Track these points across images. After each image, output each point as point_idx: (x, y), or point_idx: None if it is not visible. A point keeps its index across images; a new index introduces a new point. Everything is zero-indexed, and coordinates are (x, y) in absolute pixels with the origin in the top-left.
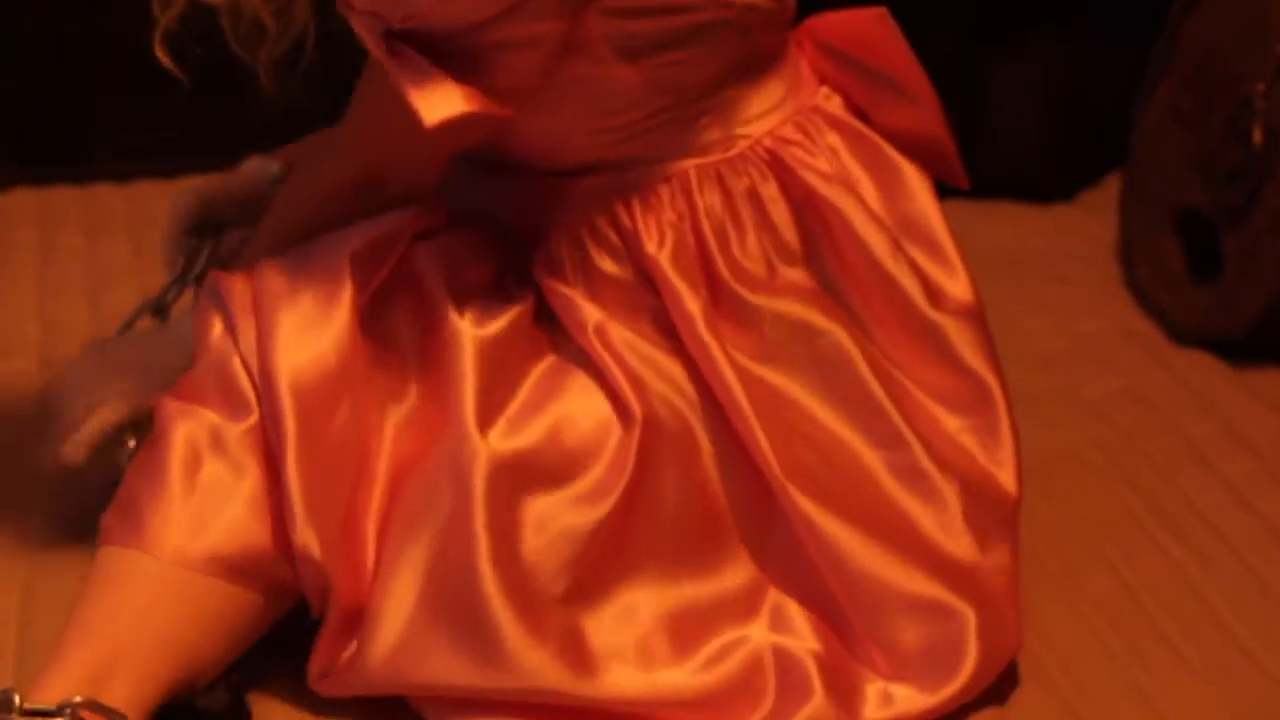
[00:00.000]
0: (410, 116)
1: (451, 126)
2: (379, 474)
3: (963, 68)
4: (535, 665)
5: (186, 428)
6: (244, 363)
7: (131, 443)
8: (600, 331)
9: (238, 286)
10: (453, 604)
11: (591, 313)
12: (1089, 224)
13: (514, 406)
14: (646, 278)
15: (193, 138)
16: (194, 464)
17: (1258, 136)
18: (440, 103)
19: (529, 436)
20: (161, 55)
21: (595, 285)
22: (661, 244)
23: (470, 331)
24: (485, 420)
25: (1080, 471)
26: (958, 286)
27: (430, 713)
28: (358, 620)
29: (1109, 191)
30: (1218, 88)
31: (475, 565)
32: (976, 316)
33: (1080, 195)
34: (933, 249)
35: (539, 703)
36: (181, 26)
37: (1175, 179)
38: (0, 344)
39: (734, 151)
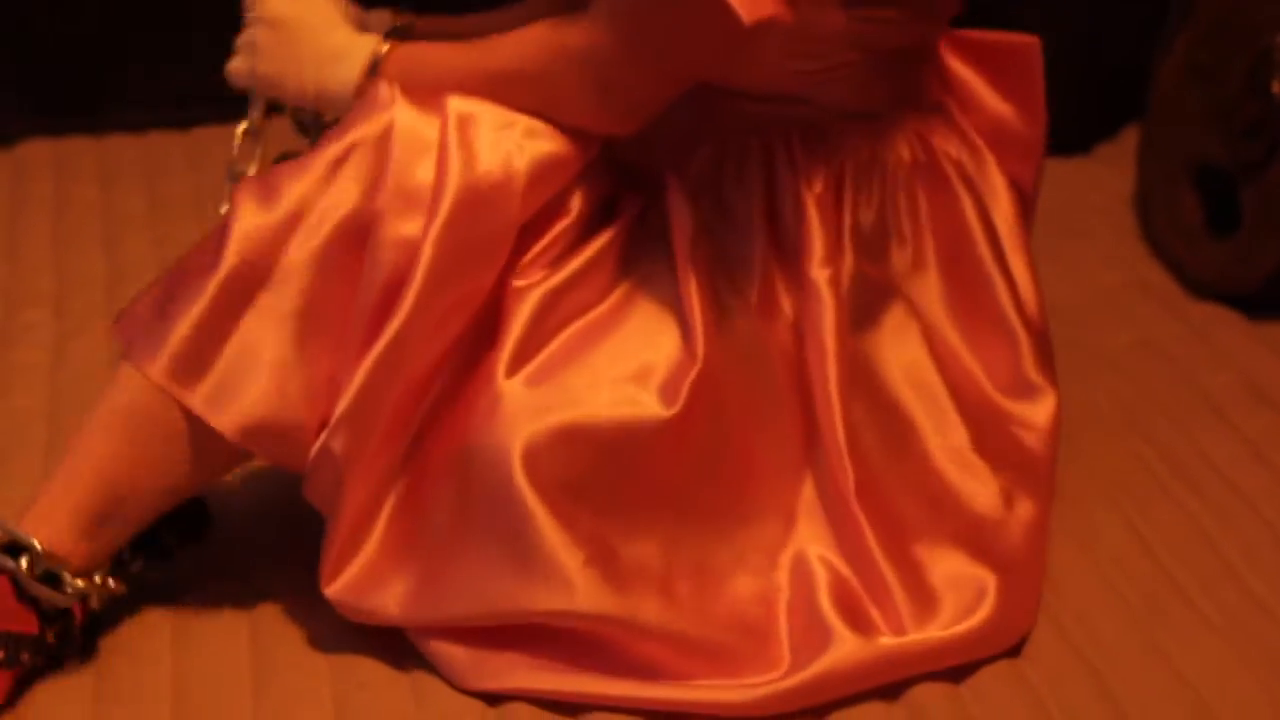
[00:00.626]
0: (709, 19)
1: (754, 33)
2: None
3: (980, 18)
4: (571, 574)
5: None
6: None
7: (252, 169)
8: (696, 260)
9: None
10: (489, 519)
11: (694, 239)
12: (1106, 177)
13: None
14: (774, 220)
15: (208, 88)
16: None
17: (1277, 89)
18: (753, 1)
19: (561, 378)
20: None
21: (716, 206)
22: (811, 187)
23: (536, 289)
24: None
25: (1096, 425)
26: (1030, 310)
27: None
28: (361, 534)
29: (1126, 144)
30: (1237, 40)
31: (511, 477)
32: (1044, 335)
33: (1097, 148)
34: (1013, 270)
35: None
36: None
37: (1193, 132)
38: (16, 295)
39: (888, 122)
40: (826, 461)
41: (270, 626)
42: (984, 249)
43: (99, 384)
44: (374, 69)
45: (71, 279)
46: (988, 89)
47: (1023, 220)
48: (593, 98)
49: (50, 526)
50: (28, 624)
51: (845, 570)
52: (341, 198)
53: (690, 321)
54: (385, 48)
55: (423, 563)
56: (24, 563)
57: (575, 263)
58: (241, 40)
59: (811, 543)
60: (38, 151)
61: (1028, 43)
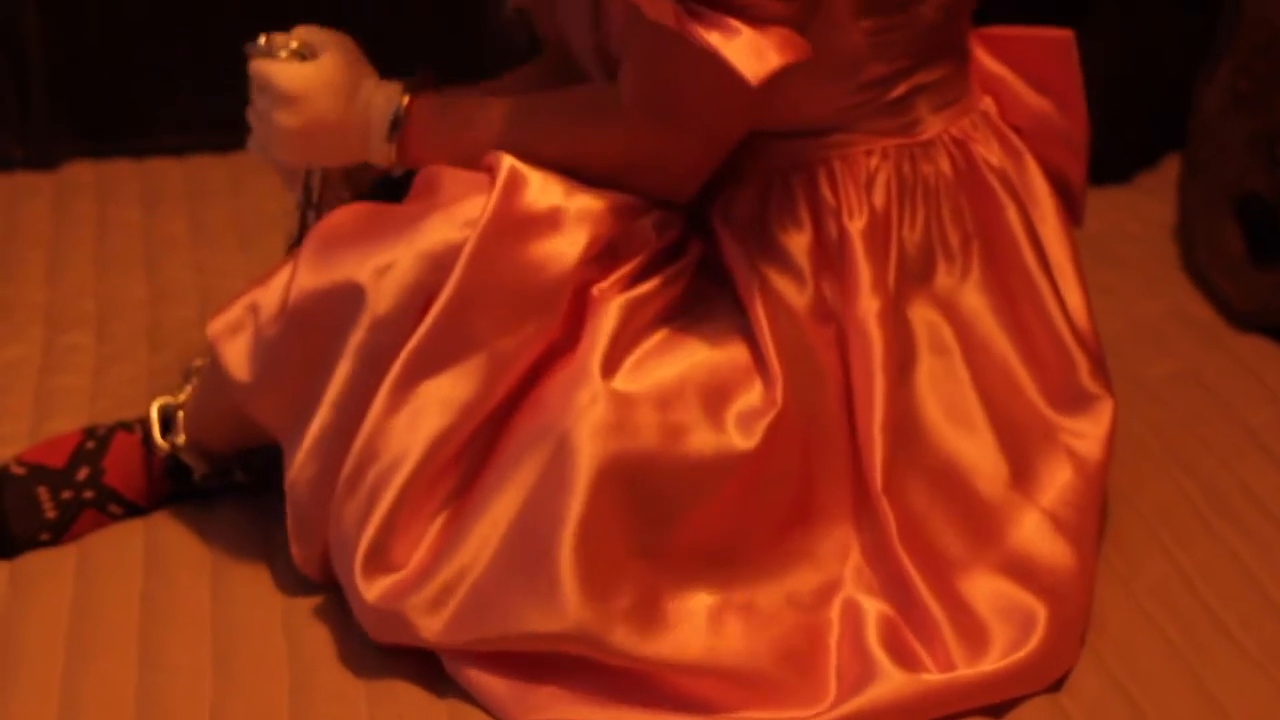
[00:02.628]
0: (724, 79)
1: (770, 83)
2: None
3: None
4: (591, 618)
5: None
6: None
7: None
8: (765, 303)
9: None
10: (527, 555)
11: (757, 284)
12: (1147, 206)
13: (643, 350)
14: (822, 252)
15: None
16: None
17: None
18: (757, 58)
19: (653, 378)
20: None
21: (766, 247)
22: (854, 217)
23: (620, 299)
24: (611, 367)
25: (1137, 457)
26: (1080, 320)
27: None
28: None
29: (1168, 173)
30: (1278, 68)
31: (563, 518)
32: (1095, 343)
33: (1138, 177)
34: (1059, 277)
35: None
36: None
37: (1235, 161)
38: (59, 318)
39: (926, 135)
40: (869, 504)
41: (308, 655)
42: (1030, 258)
43: (139, 409)
44: (396, 125)
45: (113, 302)
46: (1024, 85)
47: (1068, 226)
48: (636, 178)
49: None
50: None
51: (892, 612)
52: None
53: (770, 367)
54: (405, 101)
55: (458, 579)
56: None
57: (652, 283)
58: (254, 114)
59: (859, 583)
60: (81, 174)
61: (1062, 37)
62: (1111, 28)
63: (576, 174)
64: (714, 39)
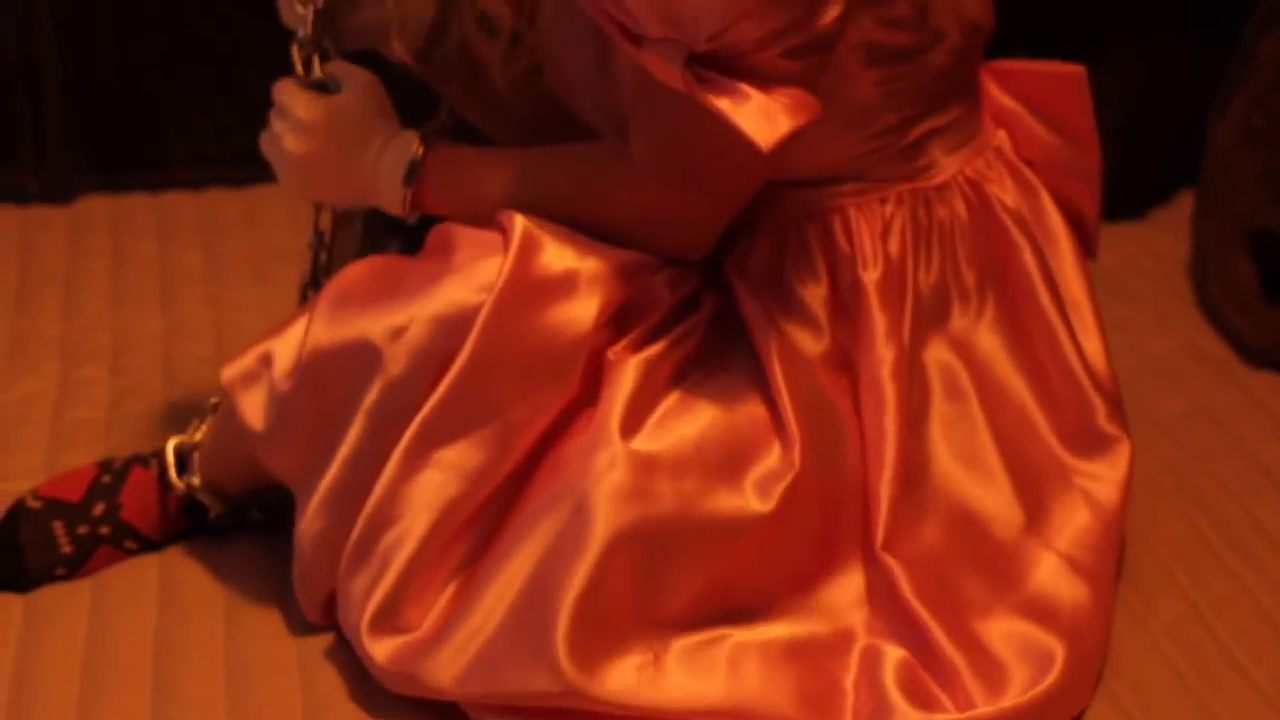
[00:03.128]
0: (735, 142)
1: (780, 147)
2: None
3: None
4: (587, 679)
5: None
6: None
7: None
8: (782, 360)
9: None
10: (534, 616)
11: (773, 335)
12: (1161, 241)
13: (662, 409)
14: (839, 301)
15: None
16: None
17: None
18: (767, 123)
19: (674, 436)
20: (396, 44)
21: (782, 300)
22: (869, 268)
23: (636, 360)
24: (630, 427)
25: (1150, 493)
26: (1096, 359)
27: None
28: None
29: (1181, 209)
30: None
31: (569, 582)
32: (1111, 384)
33: (1152, 212)
34: (1075, 315)
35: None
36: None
37: (1248, 198)
38: (73, 351)
39: (940, 179)
40: (878, 557)
41: (322, 692)
42: (1046, 299)
43: (154, 443)
44: (411, 175)
45: (128, 336)
46: (1037, 120)
47: (1084, 262)
48: (651, 239)
49: None
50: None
51: (910, 656)
52: None
53: (787, 428)
54: (420, 152)
55: (470, 639)
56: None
57: (667, 341)
58: (269, 135)
59: (874, 629)
60: (97, 207)
61: (1074, 72)
62: (1122, 62)
63: (590, 231)
64: (724, 105)
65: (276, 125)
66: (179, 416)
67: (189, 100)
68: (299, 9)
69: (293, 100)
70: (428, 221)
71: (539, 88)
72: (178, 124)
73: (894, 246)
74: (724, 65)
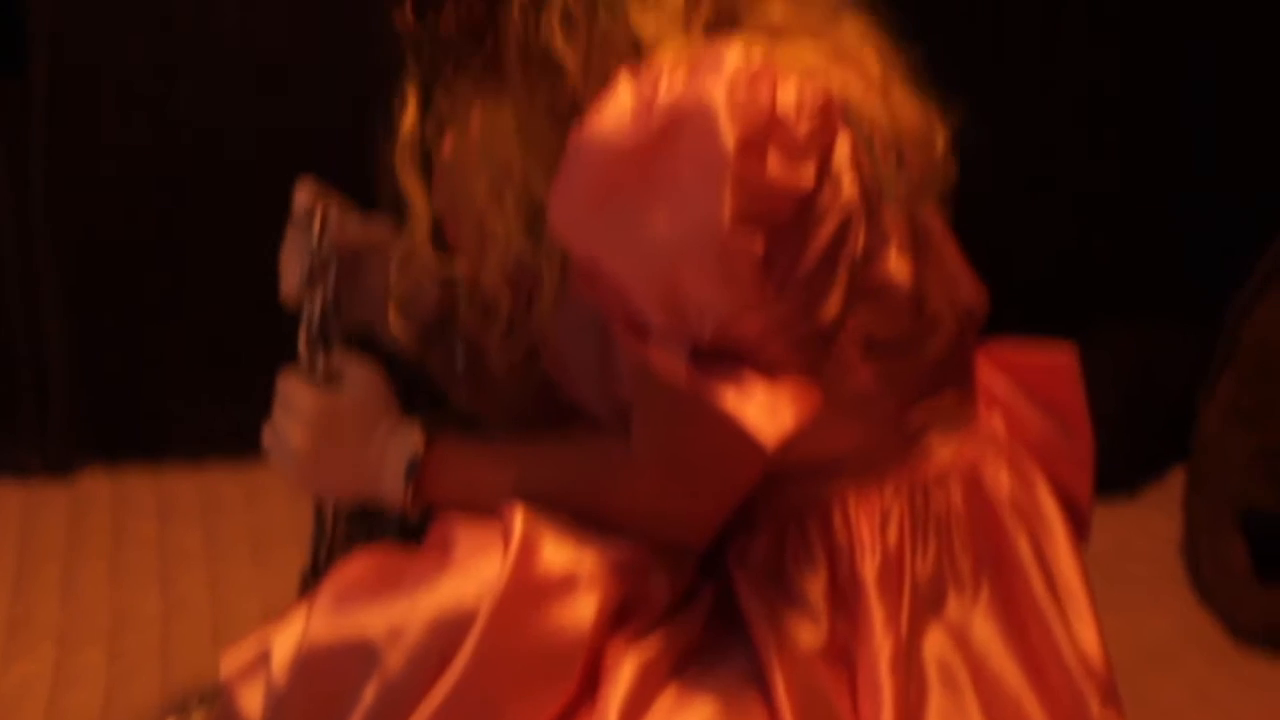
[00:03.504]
0: (738, 438)
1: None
2: None
3: None
4: None
5: None
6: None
7: None
8: (782, 659)
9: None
10: None
11: (773, 631)
12: (1153, 520)
13: (659, 706)
14: (837, 592)
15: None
16: None
17: None
18: (772, 420)
19: None
20: (396, 323)
21: (783, 593)
22: (868, 559)
23: (633, 656)
24: None
25: None
26: (1090, 646)
27: None
28: None
29: (1172, 487)
30: (1279, 385)
31: None
32: (1106, 672)
33: (1143, 491)
34: (1069, 601)
35: None
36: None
37: (1238, 476)
38: (71, 633)
39: (937, 465)
40: None
41: None
42: (1040, 587)
43: None
44: (412, 470)
45: (126, 617)
46: (1029, 405)
47: (1078, 547)
48: (653, 532)
49: None
50: None
51: None
52: None
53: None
54: (421, 448)
55: None
56: None
57: (664, 635)
58: (272, 429)
59: None
60: (96, 484)
61: (1065, 358)
62: (1112, 341)
63: (590, 520)
64: (729, 402)
65: (281, 419)
66: (176, 700)
67: (192, 379)
68: (304, 291)
69: (298, 394)
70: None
71: (537, 373)
72: (180, 402)
73: (892, 536)
74: (725, 359)
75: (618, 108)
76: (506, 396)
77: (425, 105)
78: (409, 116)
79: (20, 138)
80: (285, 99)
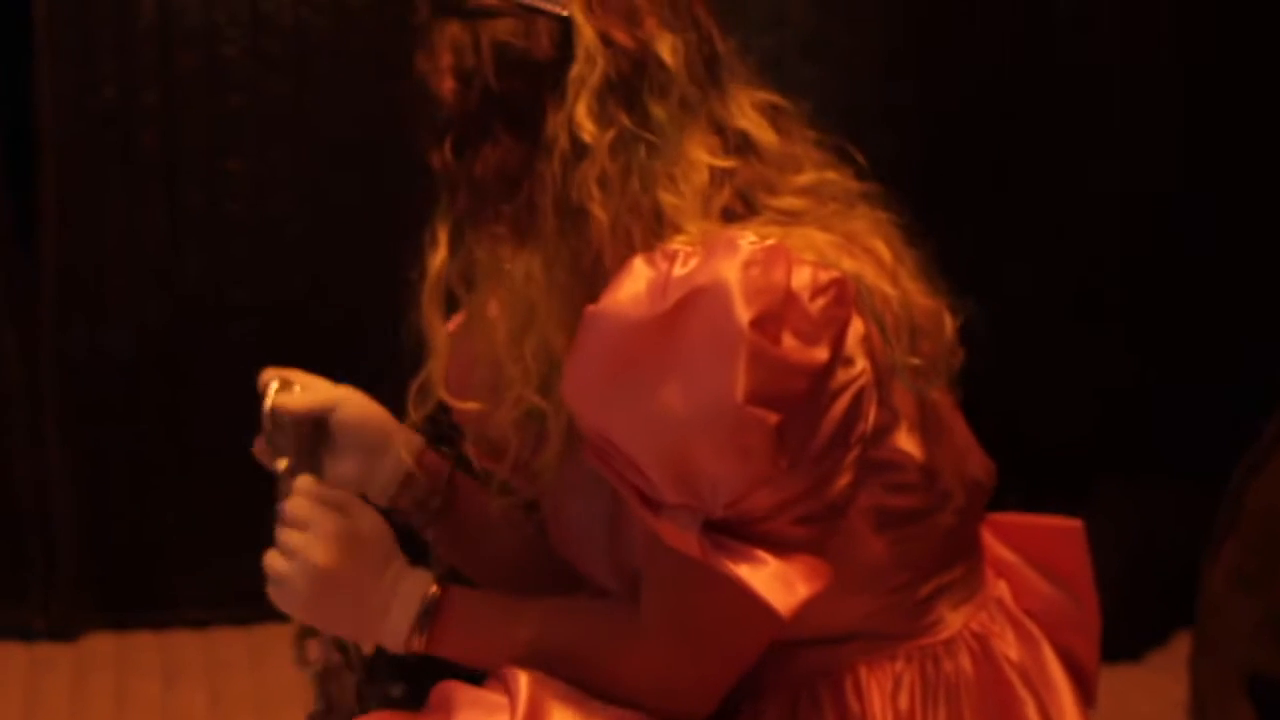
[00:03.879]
0: (749, 607)
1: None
2: None
3: None
4: None
5: None
6: None
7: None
8: None
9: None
10: None
11: None
12: (1159, 684)
13: None
14: None
15: None
16: None
17: None
18: (785, 589)
19: None
20: (407, 458)
21: None
22: None
23: None
24: None
25: None
26: None
27: None
28: None
29: (1178, 651)
30: None
31: None
32: None
33: (1148, 655)
34: None
35: None
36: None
37: (1244, 641)
38: None
39: (947, 634)
40: None
41: None
42: None
43: None
44: (425, 617)
45: None
46: (1034, 573)
47: (1084, 715)
48: (659, 700)
49: None
50: None
51: None
52: None
53: None
54: (436, 591)
55: None
56: None
57: None
58: (284, 551)
59: None
60: (101, 645)
61: (1070, 526)
62: (1116, 506)
63: (595, 687)
64: (742, 571)
65: (296, 539)
66: None
67: (196, 543)
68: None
69: (317, 516)
70: (429, 666)
71: (528, 530)
72: (185, 564)
73: (903, 702)
74: (738, 532)
75: (634, 284)
76: (492, 555)
77: (455, 247)
78: (439, 256)
79: (30, 307)
80: (291, 271)
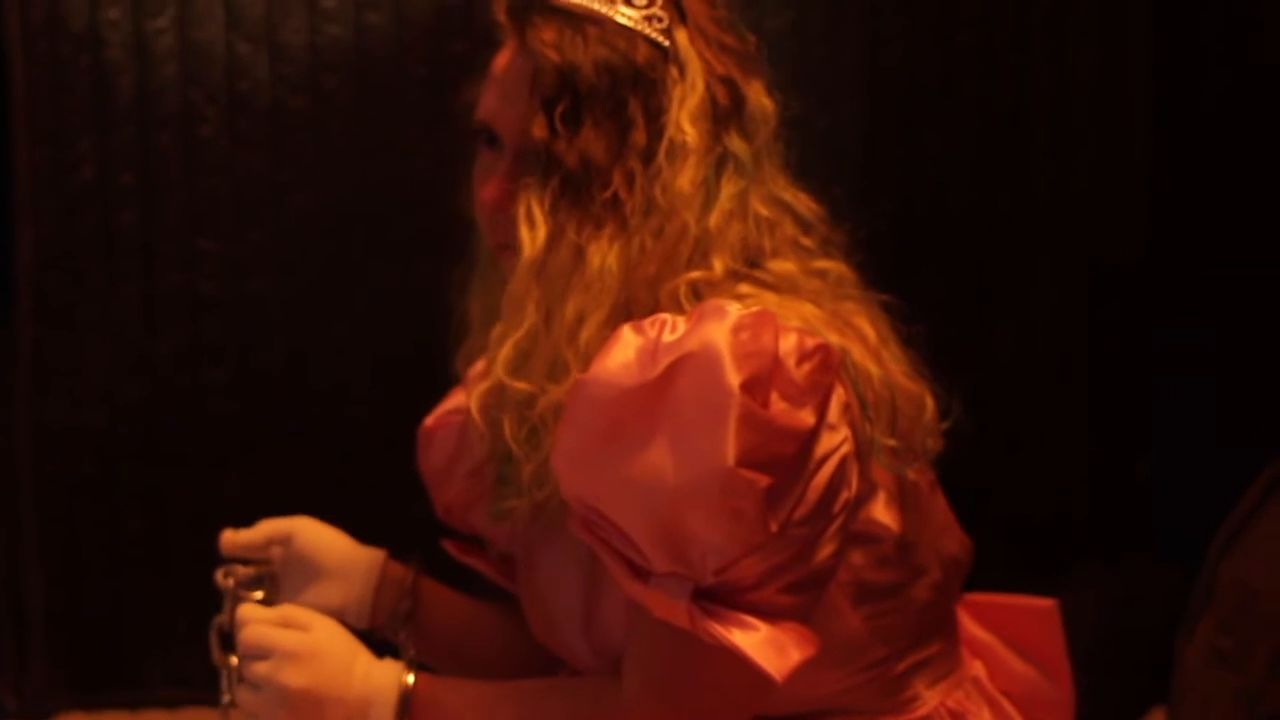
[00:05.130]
0: (734, 675)
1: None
2: None
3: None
4: None
5: None
6: None
7: None
8: None
9: None
10: None
11: None
12: None
13: None
14: None
15: None
16: None
17: None
18: (778, 654)
19: None
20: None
21: None
22: None
23: None
24: None
25: None
26: None
27: None
28: None
29: None
30: (1258, 627)
31: None
32: None
33: None
34: None
35: None
36: None
37: (1220, 718)
38: None
39: (923, 711)
40: None
41: None
42: None
43: None
44: (404, 703)
45: None
46: (1010, 653)
47: None
48: None
49: None
50: None
51: None
52: None
53: None
54: (410, 679)
55: None
56: None
57: None
58: (253, 685)
59: None
60: None
61: (1044, 606)
62: (1091, 584)
63: None
64: (735, 636)
65: (261, 669)
66: None
67: (169, 622)
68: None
69: (273, 639)
70: None
71: (498, 615)
72: (157, 645)
73: None
74: (725, 600)
75: (623, 352)
76: (464, 651)
77: (553, 226)
78: (541, 233)
79: (4, 384)
80: (269, 350)
